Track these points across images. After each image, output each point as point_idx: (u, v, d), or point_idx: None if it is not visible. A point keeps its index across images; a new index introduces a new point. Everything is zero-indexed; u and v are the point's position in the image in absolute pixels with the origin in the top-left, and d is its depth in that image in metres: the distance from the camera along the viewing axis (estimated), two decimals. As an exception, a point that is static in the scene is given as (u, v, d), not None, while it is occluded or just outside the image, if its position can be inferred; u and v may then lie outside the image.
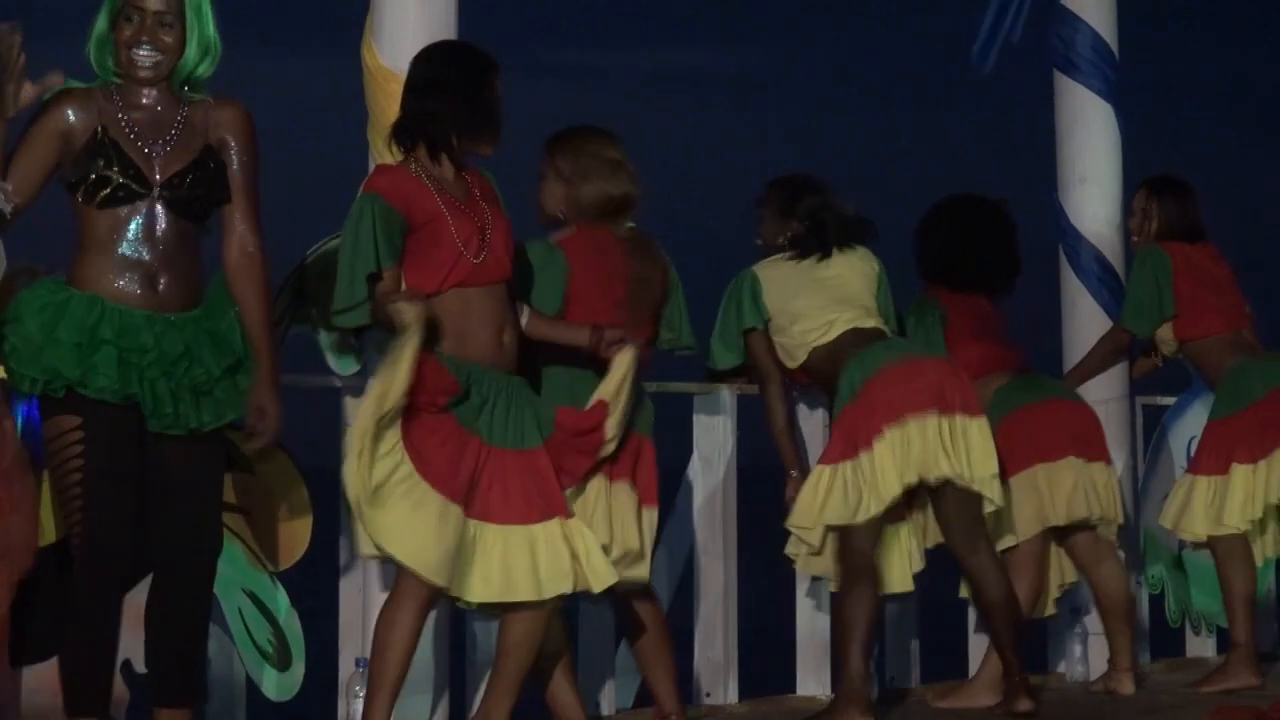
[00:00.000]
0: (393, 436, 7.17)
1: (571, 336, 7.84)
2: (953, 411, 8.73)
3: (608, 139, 8.40)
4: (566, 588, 7.29)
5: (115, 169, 6.76)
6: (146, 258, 6.80)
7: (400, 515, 7.11)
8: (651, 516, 8.11)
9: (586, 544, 7.38)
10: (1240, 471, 10.05)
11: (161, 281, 6.75)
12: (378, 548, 7.17)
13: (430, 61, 7.60)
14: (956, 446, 8.79)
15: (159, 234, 6.90)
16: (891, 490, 8.63)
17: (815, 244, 9.08)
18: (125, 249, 6.86)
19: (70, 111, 6.85)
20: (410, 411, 7.15)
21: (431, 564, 7.08)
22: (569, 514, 7.38)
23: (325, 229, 8.06)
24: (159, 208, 6.77)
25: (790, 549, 9.03)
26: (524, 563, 7.27)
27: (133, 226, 6.90)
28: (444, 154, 7.41)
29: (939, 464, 8.72)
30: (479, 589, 7.22)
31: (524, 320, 7.74)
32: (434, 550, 7.12)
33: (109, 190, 6.74)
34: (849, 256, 9.08)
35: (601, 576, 7.34)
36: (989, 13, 10.61)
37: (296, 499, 7.61)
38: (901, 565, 9.07)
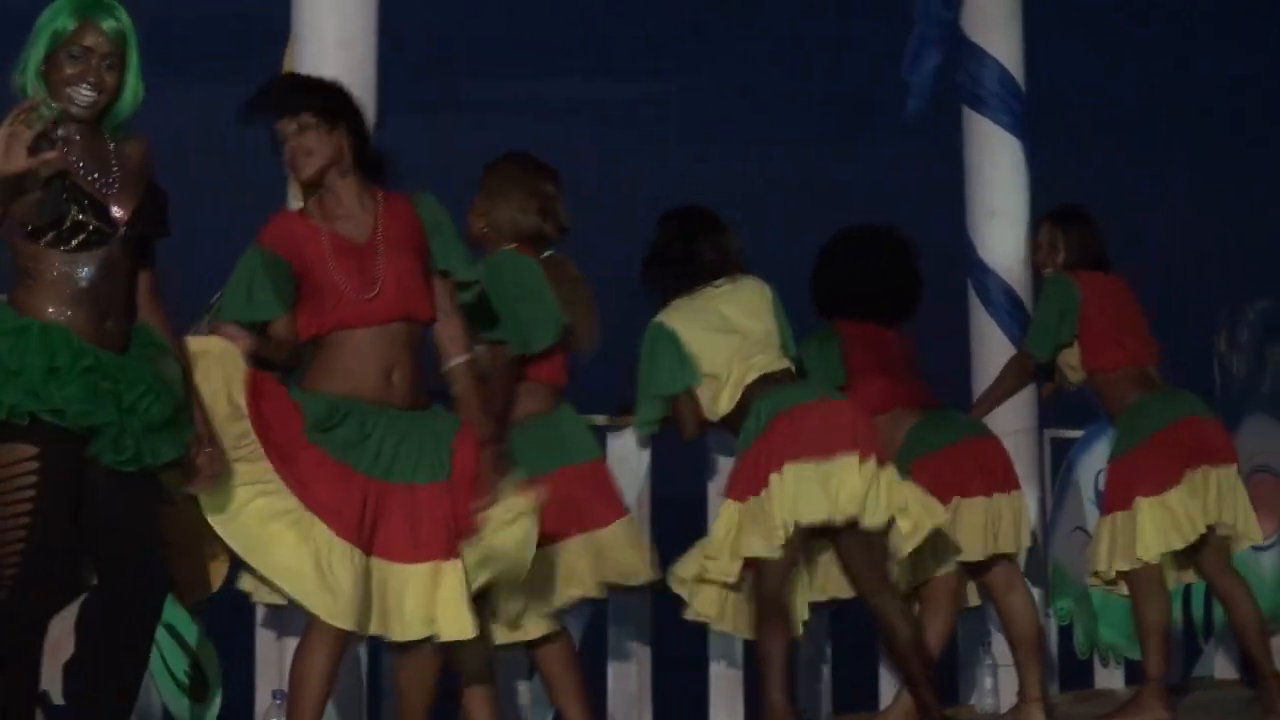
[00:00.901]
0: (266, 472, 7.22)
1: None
2: (869, 454, 8.65)
3: (531, 168, 8.47)
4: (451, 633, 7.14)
5: (89, 214, 6.64)
6: (99, 296, 6.67)
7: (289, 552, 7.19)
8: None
9: (455, 590, 7.24)
10: (1145, 505, 10.02)
11: (109, 320, 6.64)
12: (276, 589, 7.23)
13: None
14: (871, 489, 8.72)
15: (112, 273, 6.76)
16: (803, 517, 8.55)
17: (711, 273, 9.02)
18: (79, 286, 6.69)
19: (50, 171, 6.70)
20: (284, 450, 7.20)
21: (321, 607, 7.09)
22: (453, 556, 7.25)
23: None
24: (115, 247, 6.64)
25: (677, 588, 8.92)
26: (418, 601, 7.23)
27: (89, 266, 6.76)
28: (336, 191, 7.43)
29: (852, 505, 8.62)
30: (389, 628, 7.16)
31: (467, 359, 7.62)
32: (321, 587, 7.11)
33: (84, 236, 6.61)
34: (744, 287, 9.03)
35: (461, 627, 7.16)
36: (918, 61, 10.60)
37: (212, 533, 7.27)
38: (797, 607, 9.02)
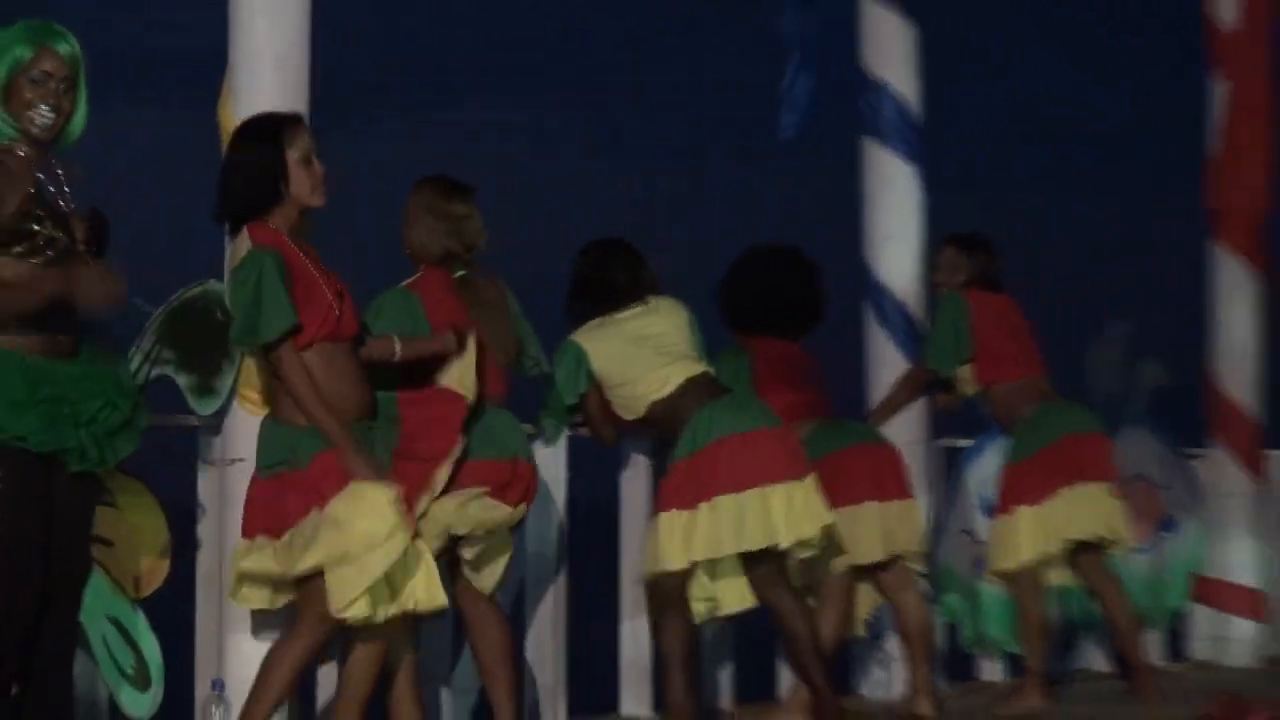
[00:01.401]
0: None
1: (439, 345, 7.99)
2: (791, 478, 8.82)
3: (440, 191, 8.57)
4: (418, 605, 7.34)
5: (59, 230, 6.78)
6: (59, 308, 6.71)
7: None
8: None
9: (427, 566, 7.45)
10: (1025, 514, 10.38)
11: (61, 335, 6.76)
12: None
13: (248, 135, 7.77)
14: (790, 513, 8.87)
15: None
16: (725, 549, 8.73)
17: (626, 298, 9.23)
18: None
19: (12, 187, 6.76)
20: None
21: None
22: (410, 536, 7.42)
23: (180, 279, 8.00)
24: None
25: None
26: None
27: (39, 277, 6.79)
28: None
29: (775, 533, 8.76)
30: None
31: (397, 350, 7.99)
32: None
33: (55, 252, 6.74)
34: (660, 307, 9.24)
35: (434, 599, 7.40)
36: (795, 83, 10.66)
37: (157, 531, 7.61)
38: (739, 585, 8.96)
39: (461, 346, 7.97)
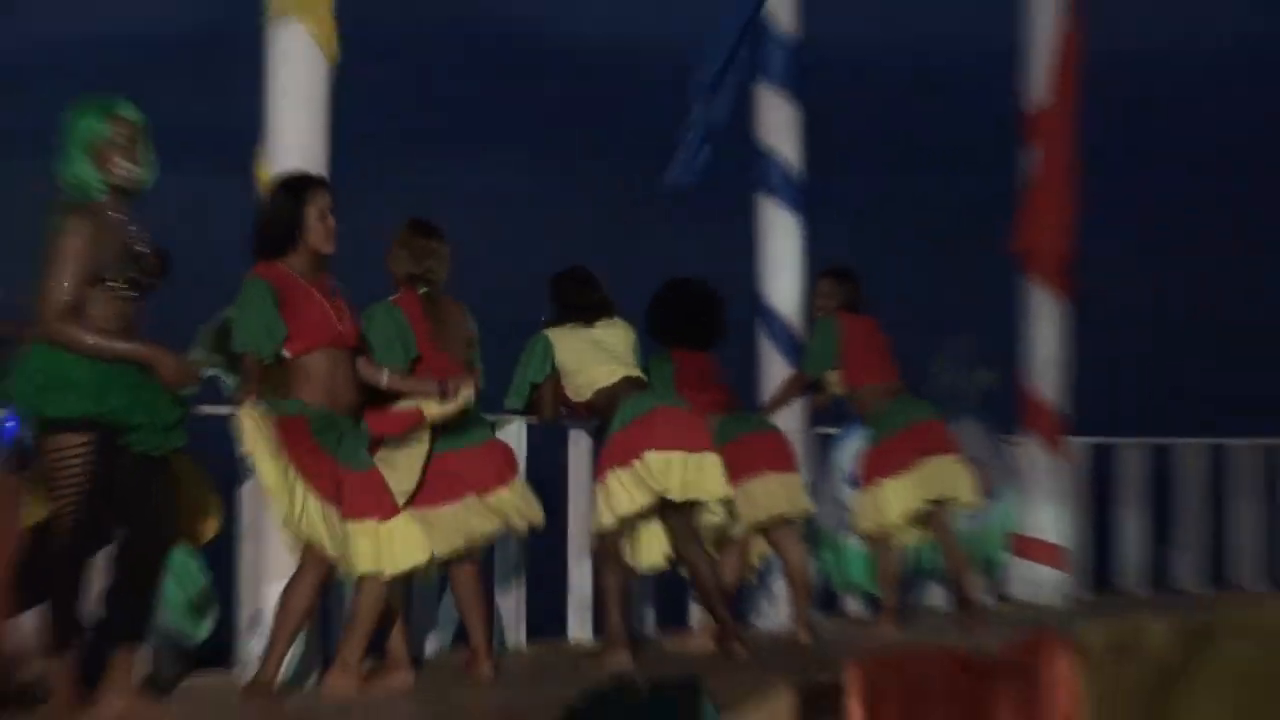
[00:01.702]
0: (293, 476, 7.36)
1: (423, 389, 7.98)
2: (697, 449, 8.92)
3: (414, 229, 8.60)
4: (407, 566, 7.48)
5: (146, 274, 6.83)
6: (135, 329, 6.80)
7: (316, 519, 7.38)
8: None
9: (406, 536, 7.59)
10: (887, 484, 10.54)
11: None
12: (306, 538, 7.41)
13: (280, 199, 7.78)
14: (698, 475, 8.95)
15: (137, 314, 6.89)
16: (645, 499, 8.84)
17: (587, 316, 9.32)
18: (125, 323, 6.81)
19: (92, 227, 6.72)
20: (298, 453, 7.39)
21: (330, 546, 7.34)
22: (395, 512, 7.54)
23: (216, 305, 7.86)
24: (142, 295, 6.80)
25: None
26: (367, 547, 7.44)
27: (132, 307, 6.86)
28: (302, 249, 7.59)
29: (683, 488, 8.88)
30: (360, 564, 7.42)
31: (384, 379, 7.98)
32: (331, 537, 7.36)
33: (141, 291, 6.83)
34: (611, 325, 9.34)
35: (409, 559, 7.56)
36: (688, 143, 10.63)
37: (208, 497, 7.40)
38: (654, 548, 9.13)
39: (448, 396, 7.94)
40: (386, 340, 8.14)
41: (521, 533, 8.96)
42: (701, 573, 9.18)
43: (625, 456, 8.98)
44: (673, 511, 9.05)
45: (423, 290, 8.46)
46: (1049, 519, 12.26)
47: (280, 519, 7.47)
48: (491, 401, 8.92)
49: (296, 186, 7.72)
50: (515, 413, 9.53)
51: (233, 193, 8.07)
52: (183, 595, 7.65)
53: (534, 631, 9.77)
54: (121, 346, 6.68)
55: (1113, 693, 10.12)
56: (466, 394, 7.94)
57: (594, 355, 9.30)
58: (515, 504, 8.53)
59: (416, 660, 8.29)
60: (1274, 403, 15.32)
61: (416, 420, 7.86)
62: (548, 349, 9.33)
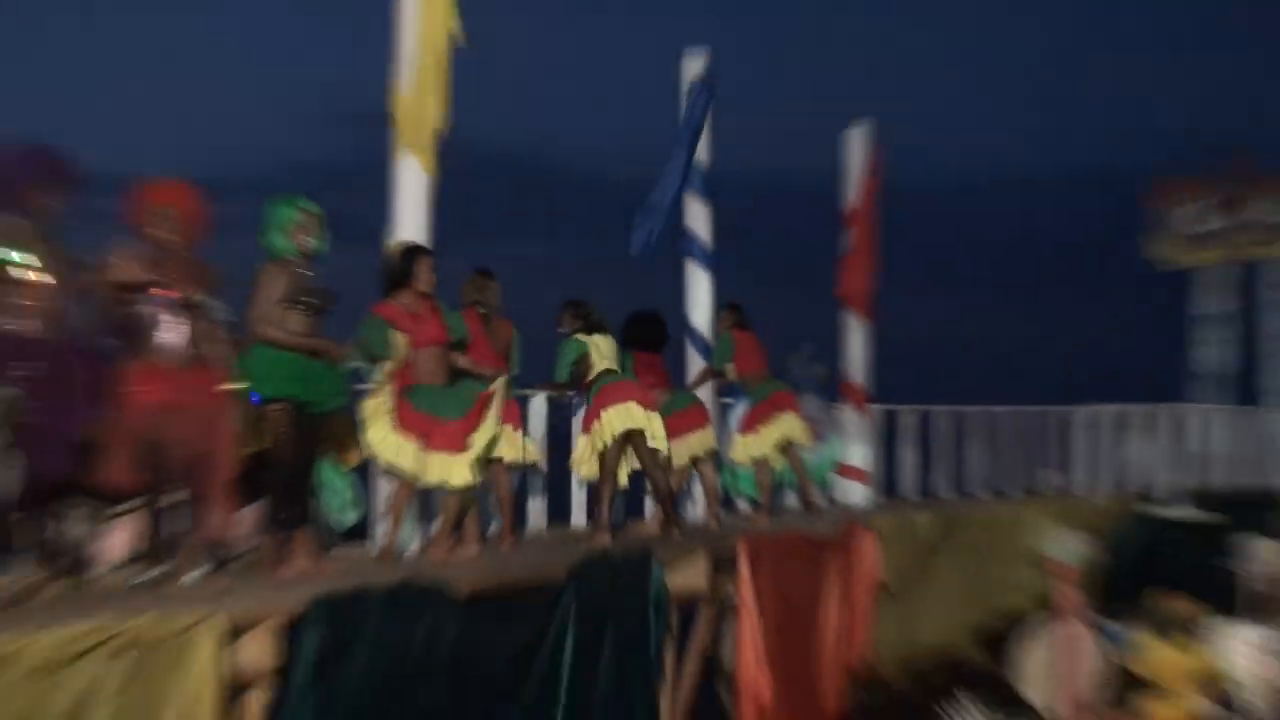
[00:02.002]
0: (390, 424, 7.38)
1: (482, 373, 7.96)
2: (646, 408, 8.80)
3: (480, 273, 8.53)
4: (461, 483, 7.42)
5: (320, 302, 6.86)
6: (311, 335, 6.83)
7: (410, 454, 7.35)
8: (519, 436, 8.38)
9: (466, 463, 7.46)
10: (761, 430, 10.49)
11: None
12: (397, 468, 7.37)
13: (398, 262, 7.63)
14: (648, 423, 8.80)
15: (317, 326, 6.86)
16: (616, 431, 8.71)
17: (589, 329, 9.13)
18: (305, 331, 6.81)
19: (284, 274, 6.79)
20: (403, 413, 7.38)
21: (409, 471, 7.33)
22: (463, 449, 7.44)
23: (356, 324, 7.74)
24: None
25: (575, 464, 9.16)
26: (442, 469, 7.38)
27: (311, 322, 6.85)
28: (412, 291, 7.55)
29: (640, 425, 8.74)
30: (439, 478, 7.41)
31: (460, 363, 7.97)
32: (410, 465, 7.35)
33: (316, 313, 6.85)
34: (604, 337, 9.17)
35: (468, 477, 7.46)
36: (649, 218, 10.19)
37: (355, 438, 7.46)
38: (622, 472, 8.98)
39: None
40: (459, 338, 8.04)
41: (528, 463, 8.73)
42: (658, 485, 9.10)
43: (594, 414, 8.88)
44: (642, 448, 8.89)
45: (481, 310, 8.42)
46: (857, 454, 12.19)
47: (380, 456, 7.43)
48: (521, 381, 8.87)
49: (411, 252, 7.68)
50: (547, 387, 9.32)
51: (366, 259, 8.01)
52: (338, 497, 7.64)
53: (551, 521, 9.65)
54: (304, 341, 6.74)
55: (895, 556, 10.23)
56: (504, 379, 7.82)
57: (598, 357, 9.13)
58: (520, 442, 8.43)
59: (482, 536, 8.19)
60: (996, 389, 15.17)
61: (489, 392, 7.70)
62: (582, 350, 9.10)
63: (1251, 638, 8.56)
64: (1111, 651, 8.62)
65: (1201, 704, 7.90)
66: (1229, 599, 9.58)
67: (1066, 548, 8.51)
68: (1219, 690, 7.81)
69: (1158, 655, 8.16)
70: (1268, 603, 8.15)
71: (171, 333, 6.25)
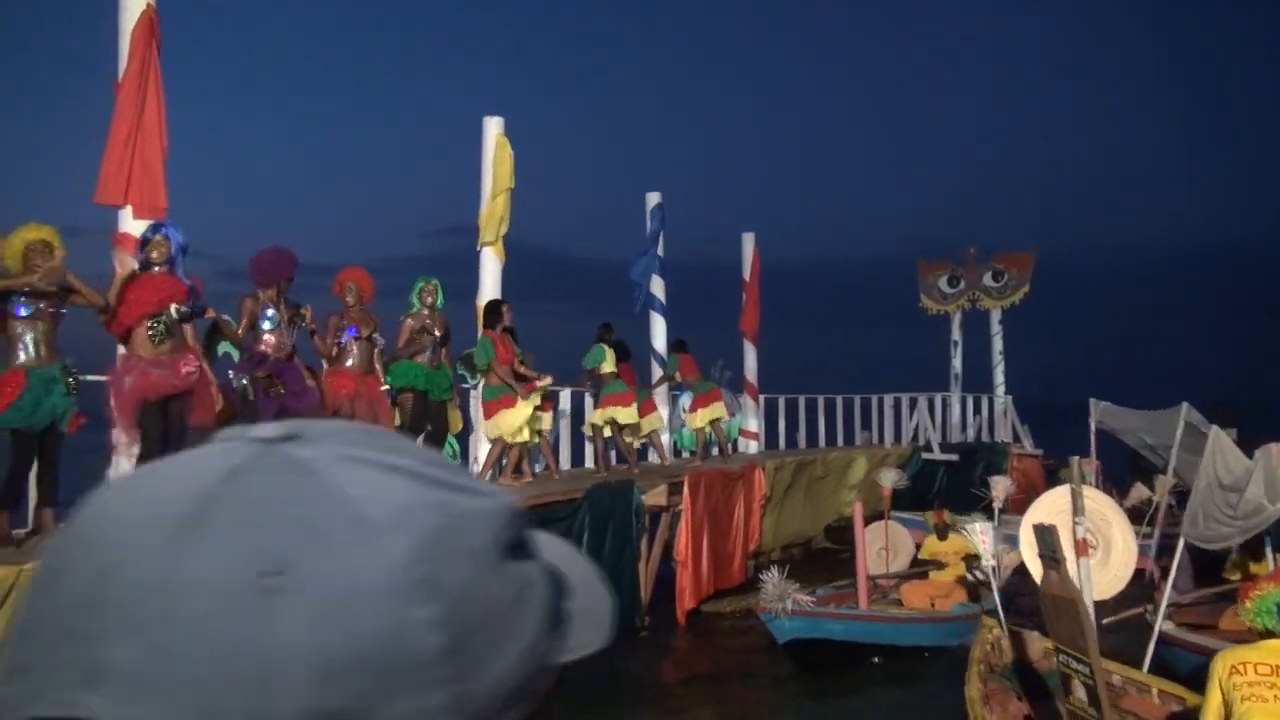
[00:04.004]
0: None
1: (534, 376, 7.55)
2: (626, 405, 8.63)
3: (497, 300, 7.64)
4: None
5: (437, 334, 6.71)
6: (426, 352, 6.71)
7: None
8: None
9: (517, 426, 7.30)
10: (699, 412, 10.09)
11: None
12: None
13: (489, 310, 7.52)
14: (629, 413, 8.66)
15: (437, 350, 6.76)
16: (610, 418, 8.63)
17: (609, 343, 8.86)
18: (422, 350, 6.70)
19: (414, 320, 6.70)
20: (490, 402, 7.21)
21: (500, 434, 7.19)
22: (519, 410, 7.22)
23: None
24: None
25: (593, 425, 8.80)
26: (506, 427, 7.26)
27: (429, 346, 6.73)
28: (500, 326, 7.39)
29: (625, 418, 8.63)
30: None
31: (521, 370, 7.57)
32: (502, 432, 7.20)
33: (435, 342, 6.73)
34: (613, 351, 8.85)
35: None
36: (637, 289, 10.12)
37: (458, 416, 7.17)
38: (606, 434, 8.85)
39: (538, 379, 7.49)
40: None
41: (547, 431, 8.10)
42: (626, 446, 9.01)
43: (602, 403, 8.69)
44: (619, 424, 8.81)
45: (501, 330, 7.50)
46: (752, 423, 11.96)
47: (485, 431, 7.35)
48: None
49: (497, 304, 7.56)
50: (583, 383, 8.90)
51: (464, 311, 7.91)
52: (445, 452, 7.56)
53: (573, 465, 9.23)
54: (421, 355, 6.63)
55: (774, 482, 10.31)
56: (548, 379, 7.61)
57: (608, 355, 8.80)
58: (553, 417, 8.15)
59: (533, 473, 8.04)
60: (833, 384, 15.11)
61: (534, 385, 7.49)
62: (606, 353, 8.75)
63: (987, 530, 8.78)
64: (909, 536, 8.76)
65: (961, 570, 8.02)
66: (974, 509, 9.59)
67: (887, 476, 8.63)
68: (971, 562, 7.97)
69: (933, 544, 8.30)
70: (1001, 512, 8.35)
71: (355, 354, 6.33)
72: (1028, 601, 6.70)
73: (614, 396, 8.71)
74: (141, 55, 4.96)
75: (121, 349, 4.91)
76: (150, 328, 4.74)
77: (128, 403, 4.64)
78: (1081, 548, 4.48)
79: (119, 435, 4.74)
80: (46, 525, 4.50)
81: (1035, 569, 4.86)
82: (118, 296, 4.72)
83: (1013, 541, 8.84)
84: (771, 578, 6.75)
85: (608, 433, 8.92)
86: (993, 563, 6.04)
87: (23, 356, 4.35)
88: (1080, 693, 3.96)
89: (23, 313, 4.35)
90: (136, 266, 4.91)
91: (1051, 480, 12.68)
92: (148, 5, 5.10)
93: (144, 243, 4.96)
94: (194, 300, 5.02)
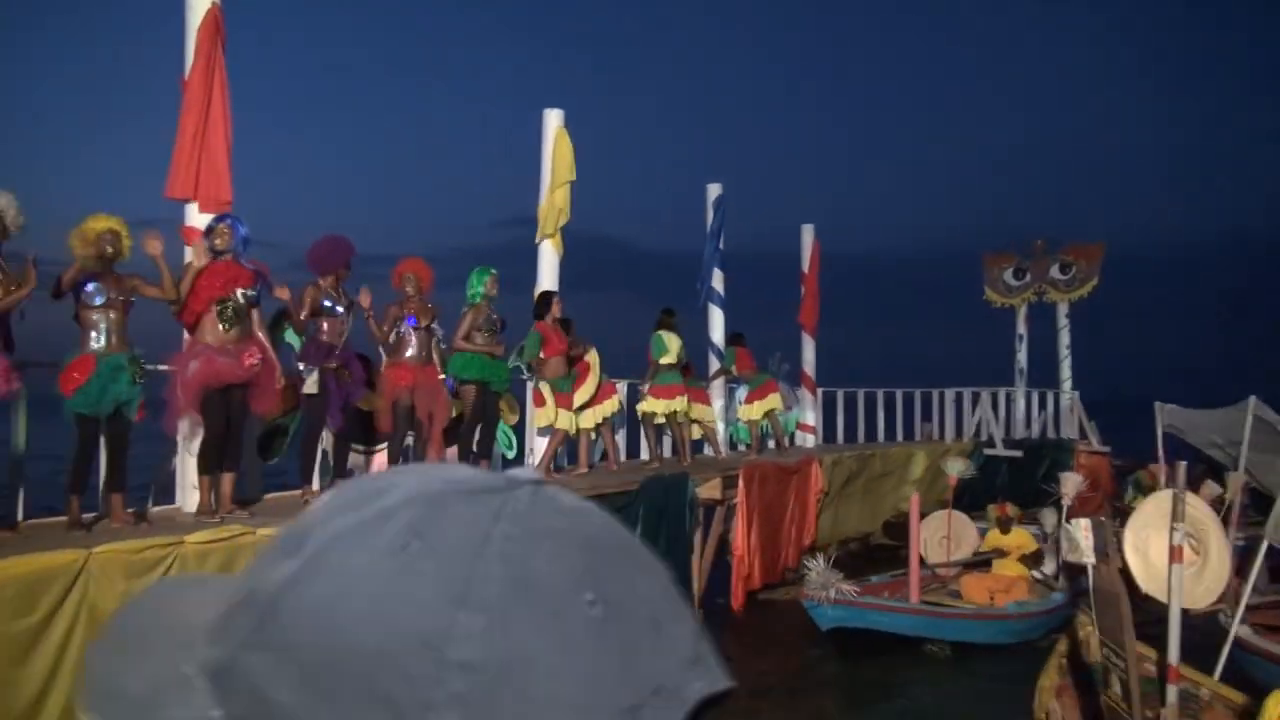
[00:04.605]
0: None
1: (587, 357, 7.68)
2: (675, 398, 8.59)
3: (550, 291, 7.71)
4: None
5: (498, 327, 6.69)
6: (490, 343, 6.75)
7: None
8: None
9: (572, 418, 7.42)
10: (755, 404, 10.09)
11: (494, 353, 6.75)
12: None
13: (539, 302, 7.54)
14: (683, 404, 8.61)
15: (496, 338, 6.80)
16: (663, 410, 8.62)
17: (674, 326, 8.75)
18: (487, 342, 6.71)
19: (474, 311, 6.65)
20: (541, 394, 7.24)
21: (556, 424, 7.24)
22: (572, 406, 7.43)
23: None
24: None
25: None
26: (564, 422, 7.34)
27: (493, 337, 6.72)
28: (551, 318, 7.41)
29: (676, 408, 8.57)
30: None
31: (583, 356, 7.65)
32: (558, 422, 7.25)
33: (495, 331, 6.72)
34: (672, 335, 8.67)
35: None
36: (701, 283, 10.19)
37: (515, 405, 7.29)
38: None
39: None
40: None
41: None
42: (681, 437, 8.93)
43: (653, 394, 8.62)
44: (675, 417, 8.76)
45: (553, 321, 7.55)
46: (809, 417, 11.87)
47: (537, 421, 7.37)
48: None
49: (549, 295, 7.57)
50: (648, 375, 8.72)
51: (522, 302, 7.98)
52: (503, 440, 7.49)
53: (629, 457, 9.13)
54: (484, 348, 6.56)
55: (834, 481, 10.14)
56: (592, 350, 7.59)
57: (668, 343, 8.64)
58: (615, 404, 8.15)
59: (591, 466, 8.09)
60: (895, 378, 14.79)
61: (583, 378, 7.60)
62: (668, 342, 8.60)
63: (1088, 526, 8.51)
64: (973, 526, 8.48)
65: (1024, 566, 7.78)
66: (1041, 504, 9.32)
67: (953, 465, 8.42)
68: (1033, 557, 7.73)
69: (996, 538, 8.05)
70: (1072, 509, 8.06)
71: (413, 344, 6.32)
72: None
73: (660, 388, 8.61)
74: (207, 53, 5.03)
75: (187, 336, 4.98)
76: (219, 312, 4.82)
77: (191, 390, 4.72)
78: (1177, 554, 4.28)
79: (181, 423, 4.83)
80: (115, 510, 4.58)
81: (1136, 568, 4.70)
82: (189, 286, 4.80)
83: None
84: (816, 565, 6.67)
85: (659, 421, 8.83)
86: (1092, 560, 5.80)
87: (94, 344, 4.44)
88: (1117, 686, 3.95)
89: (98, 301, 4.45)
90: (205, 259, 4.98)
91: (1121, 480, 12.38)
92: (212, 4, 5.17)
93: (208, 232, 5.04)
94: (260, 283, 5.08)
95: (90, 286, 4.44)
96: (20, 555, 3.59)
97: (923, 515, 8.03)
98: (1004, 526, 7.96)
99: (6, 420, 4.39)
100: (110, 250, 4.48)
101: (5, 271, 4.14)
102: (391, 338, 6.25)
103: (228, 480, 4.98)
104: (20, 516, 4.50)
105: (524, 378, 7.64)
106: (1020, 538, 7.92)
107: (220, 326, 4.81)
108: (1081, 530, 5.80)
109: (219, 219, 5.04)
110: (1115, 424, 15.23)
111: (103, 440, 4.48)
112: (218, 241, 4.97)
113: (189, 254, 5.11)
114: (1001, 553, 7.85)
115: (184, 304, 4.81)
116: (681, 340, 8.95)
